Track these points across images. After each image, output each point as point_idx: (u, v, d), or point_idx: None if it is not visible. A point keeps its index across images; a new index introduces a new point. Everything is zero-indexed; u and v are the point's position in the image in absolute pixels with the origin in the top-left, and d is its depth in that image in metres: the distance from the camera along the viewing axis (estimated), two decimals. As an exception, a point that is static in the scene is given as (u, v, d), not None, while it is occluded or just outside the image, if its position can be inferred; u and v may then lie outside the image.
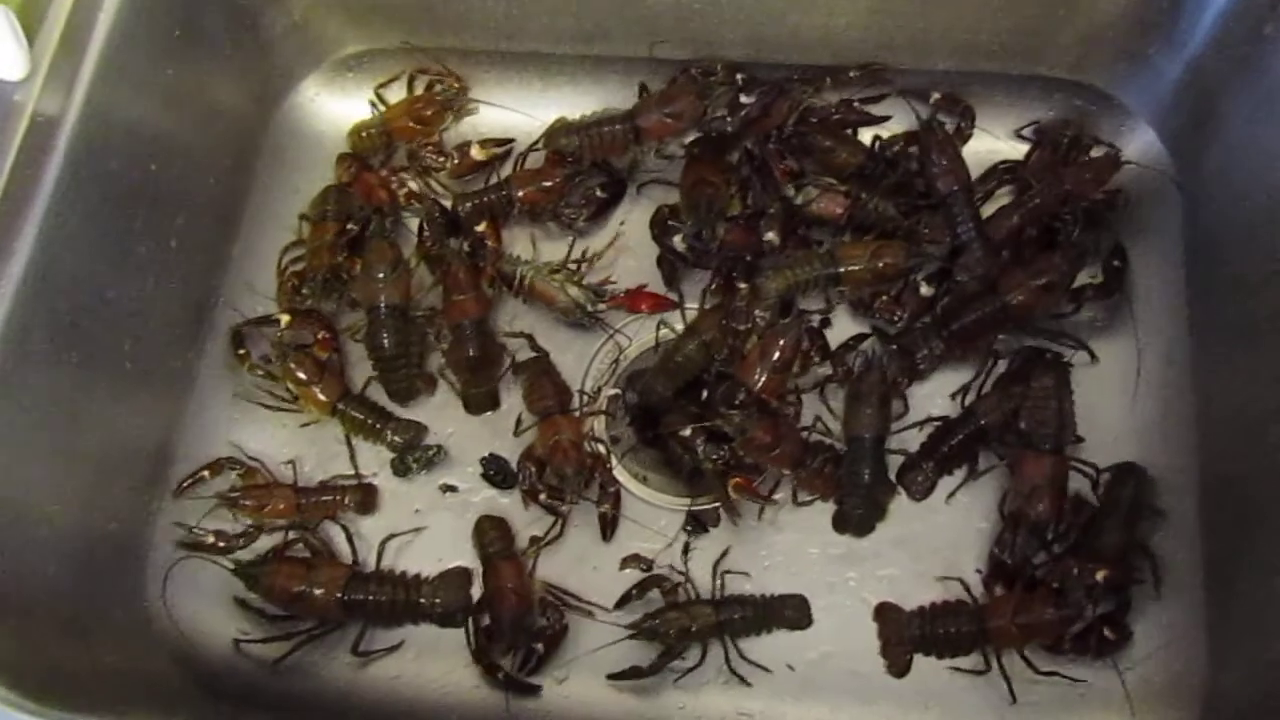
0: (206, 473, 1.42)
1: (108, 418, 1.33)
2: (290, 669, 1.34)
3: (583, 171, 1.51)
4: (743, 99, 1.43)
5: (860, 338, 1.45)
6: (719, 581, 1.35)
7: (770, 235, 1.43)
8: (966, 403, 1.41)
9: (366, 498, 1.42)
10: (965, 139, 1.50)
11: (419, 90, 1.59)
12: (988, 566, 1.34)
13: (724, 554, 1.37)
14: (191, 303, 1.47)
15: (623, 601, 1.35)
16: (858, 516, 1.37)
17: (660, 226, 1.50)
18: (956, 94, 1.50)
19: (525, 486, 1.40)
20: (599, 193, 1.53)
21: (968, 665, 1.30)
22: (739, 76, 1.48)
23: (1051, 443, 1.32)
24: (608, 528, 1.39)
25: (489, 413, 1.47)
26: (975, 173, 1.47)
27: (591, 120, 1.47)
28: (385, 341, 1.42)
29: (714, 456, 1.32)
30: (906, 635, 1.31)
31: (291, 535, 1.40)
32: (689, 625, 1.29)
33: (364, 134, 1.56)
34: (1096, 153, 1.47)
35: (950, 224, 1.42)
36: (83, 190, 1.22)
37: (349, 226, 1.49)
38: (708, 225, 1.42)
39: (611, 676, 1.31)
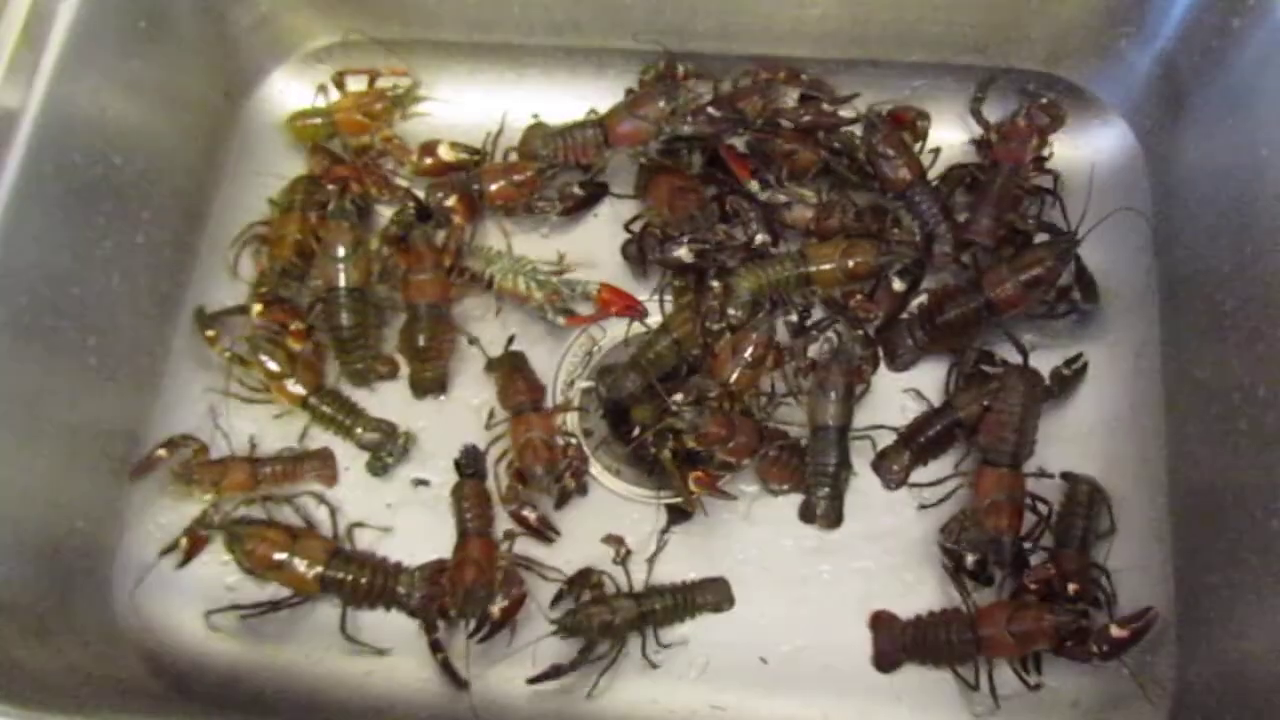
0: (163, 451, 1.41)
1: (73, 416, 1.31)
2: (259, 667, 1.33)
3: (557, 166, 1.50)
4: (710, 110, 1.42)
5: (823, 323, 1.44)
6: (649, 572, 1.36)
7: (761, 237, 1.44)
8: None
9: (325, 464, 1.42)
10: (921, 136, 1.50)
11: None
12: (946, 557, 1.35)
13: (659, 549, 1.37)
14: (159, 298, 1.46)
15: (557, 599, 1.35)
16: (825, 506, 1.37)
17: (655, 245, 1.46)
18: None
19: (512, 508, 1.39)
20: (577, 190, 1.52)
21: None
22: (713, 84, 1.47)
23: (1008, 459, 1.32)
24: (563, 499, 1.39)
25: (437, 397, 1.47)
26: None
27: (565, 126, 1.47)
28: (343, 321, 1.41)
29: (667, 447, 1.33)
30: (900, 644, 1.31)
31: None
32: (610, 619, 1.30)
33: (304, 123, 1.54)
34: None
35: (916, 215, 1.42)
36: (44, 185, 1.21)
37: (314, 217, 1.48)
38: (706, 227, 1.42)
39: (531, 680, 1.30)
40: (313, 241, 1.46)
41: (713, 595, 1.35)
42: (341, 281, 1.41)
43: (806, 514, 1.38)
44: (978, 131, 1.50)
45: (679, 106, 1.41)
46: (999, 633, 1.25)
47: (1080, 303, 1.41)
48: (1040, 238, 1.44)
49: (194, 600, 1.37)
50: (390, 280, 1.47)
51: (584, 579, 1.35)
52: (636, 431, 1.35)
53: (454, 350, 1.47)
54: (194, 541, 1.38)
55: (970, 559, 1.32)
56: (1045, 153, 1.48)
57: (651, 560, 1.36)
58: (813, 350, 1.42)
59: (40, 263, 1.22)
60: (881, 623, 1.33)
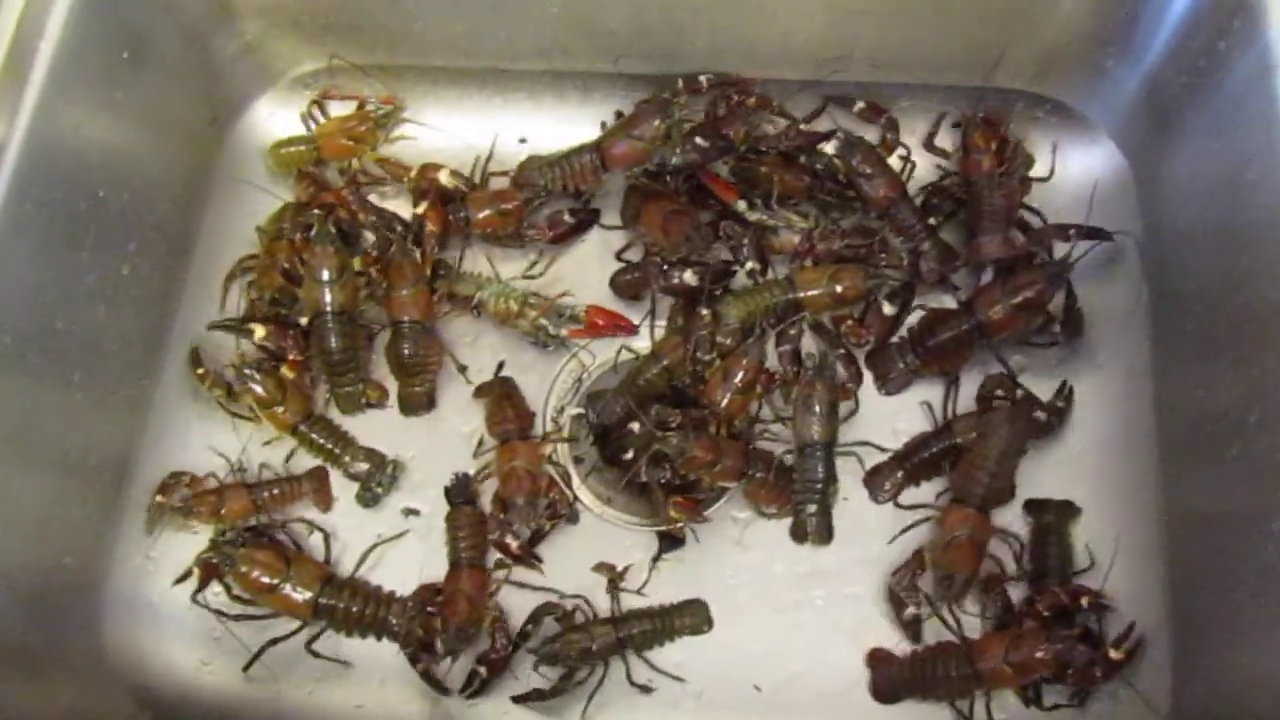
0: (160, 497, 1.40)
1: (60, 449, 1.30)
2: (250, 701, 1.32)
3: (542, 198, 1.49)
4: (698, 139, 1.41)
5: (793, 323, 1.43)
6: (618, 600, 1.36)
7: (751, 264, 1.43)
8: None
9: (320, 485, 1.41)
10: (891, 149, 1.50)
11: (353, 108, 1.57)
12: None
13: (650, 576, 1.36)
14: (146, 330, 1.45)
15: (521, 637, 1.34)
16: (815, 522, 1.36)
17: (658, 274, 1.44)
18: (879, 104, 1.50)
19: (496, 537, 1.38)
20: (568, 217, 1.52)
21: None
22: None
23: (977, 501, 1.32)
24: (536, 537, 1.38)
25: (427, 413, 1.47)
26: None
27: (561, 154, 1.46)
28: (332, 344, 1.41)
29: (658, 477, 1.33)
30: (899, 682, 1.30)
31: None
32: (589, 645, 1.30)
33: (287, 150, 1.53)
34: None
35: (900, 232, 1.42)
36: (28, 218, 1.20)
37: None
38: (703, 249, 1.42)
39: (515, 699, 1.31)
40: (299, 266, 1.45)
41: (691, 618, 1.35)
42: (328, 305, 1.41)
43: (797, 533, 1.37)
44: (944, 163, 1.50)
45: (674, 123, 1.40)
46: (998, 664, 1.24)
47: (1060, 336, 1.40)
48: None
49: (184, 634, 1.37)
50: (377, 299, 1.47)
51: (546, 610, 1.34)
52: (630, 455, 1.35)
53: (441, 365, 1.47)
54: (206, 570, 1.37)
55: (909, 612, 1.31)
56: (1019, 163, 1.47)
57: (641, 589, 1.36)
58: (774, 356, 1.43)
59: (24, 297, 1.21)
60: (878, 661, 1.32)
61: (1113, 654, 1.25)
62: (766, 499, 1.37)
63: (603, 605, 1.35)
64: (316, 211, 1.49)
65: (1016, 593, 1.33)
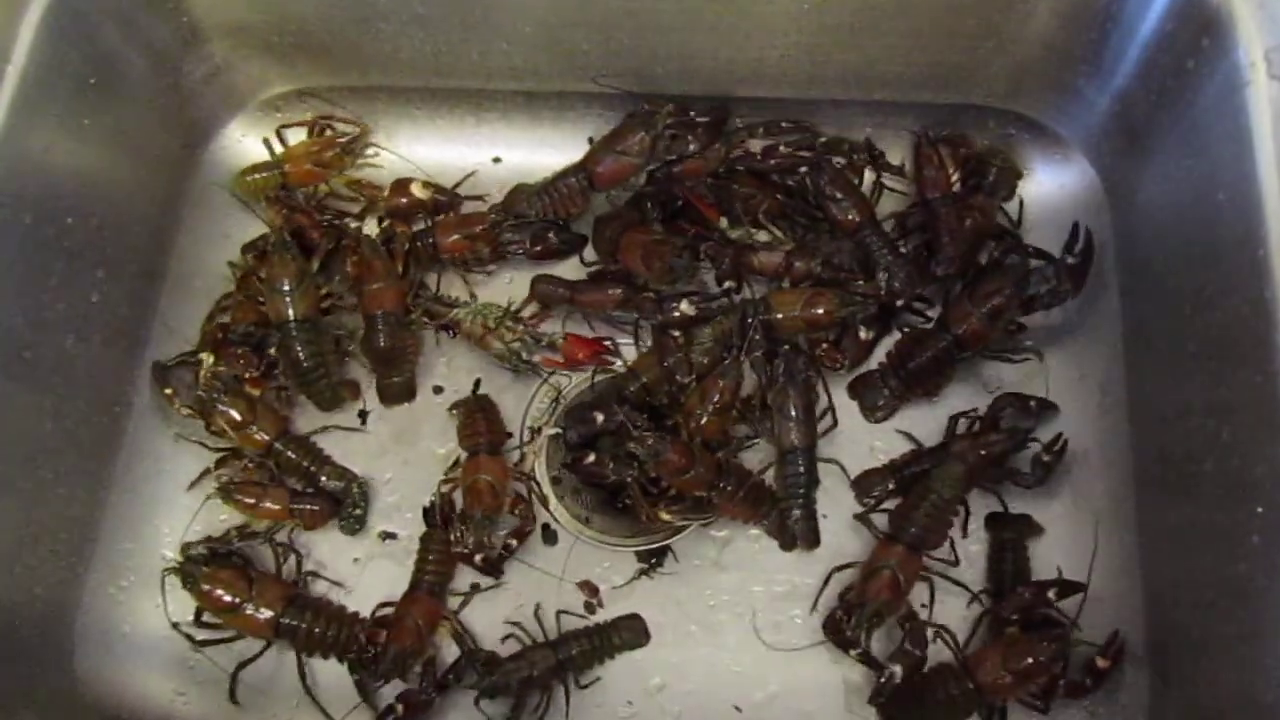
0: (216, 469, 1.41)
1: (29, 481, 1.28)
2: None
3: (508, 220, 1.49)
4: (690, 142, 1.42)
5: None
6: (558, 622, 1.36)
7: (729, 283, 1.43)
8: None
9: (327, 509, 1.40)
10: (859, 170, 1.50)
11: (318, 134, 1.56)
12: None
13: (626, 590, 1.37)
14: (116, 358, 1.43)
15: (439, 689, 1.32)
16: (802, 526, 1.36)
17: (654, 308, 1.43)
18: (841, 135, 1.51)
19: (457, 546, 1.37)
20: (553, 237, 1.51)
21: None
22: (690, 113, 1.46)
23: (908, 539, 1.31)
24: (495, 564, 1.37)
25: (406, 403, 1.47)
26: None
27: (548, 180, 1.46)
28: (300, 354, 1.40)
29: (625, 475, 1.33)
30: (904, 712, 1.29)
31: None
32: (529, 672, 1.30)
33: (253, 177, 1.52)
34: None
35: (867, 256, 1.43)
36: (-7, 248, 1.19)
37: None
38: (687, 276, 1.42)
39: None
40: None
41: (629, 633, 1.35)
42: (290, 315, 1.40)
43: (785, 541, 1.37)
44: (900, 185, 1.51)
45: (659, 134, 1.40)
46: (997, 675, 1.24)
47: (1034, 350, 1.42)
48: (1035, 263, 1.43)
49: (157, 664, 1.35)
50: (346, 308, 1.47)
51: (470, 657, 1.33)
52: (597, 458, 1.35)
53: (419, 354, 1.47)
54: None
55: (854, 653, 1.31)
56: (996, 182, 1.48)
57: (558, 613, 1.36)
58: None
59: (-11, 327, 1.20)
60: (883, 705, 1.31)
61: (1099, 662, 1.26)
62: (734, 513, 1.36)
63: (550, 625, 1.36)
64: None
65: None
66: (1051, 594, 1.28)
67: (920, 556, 1.32)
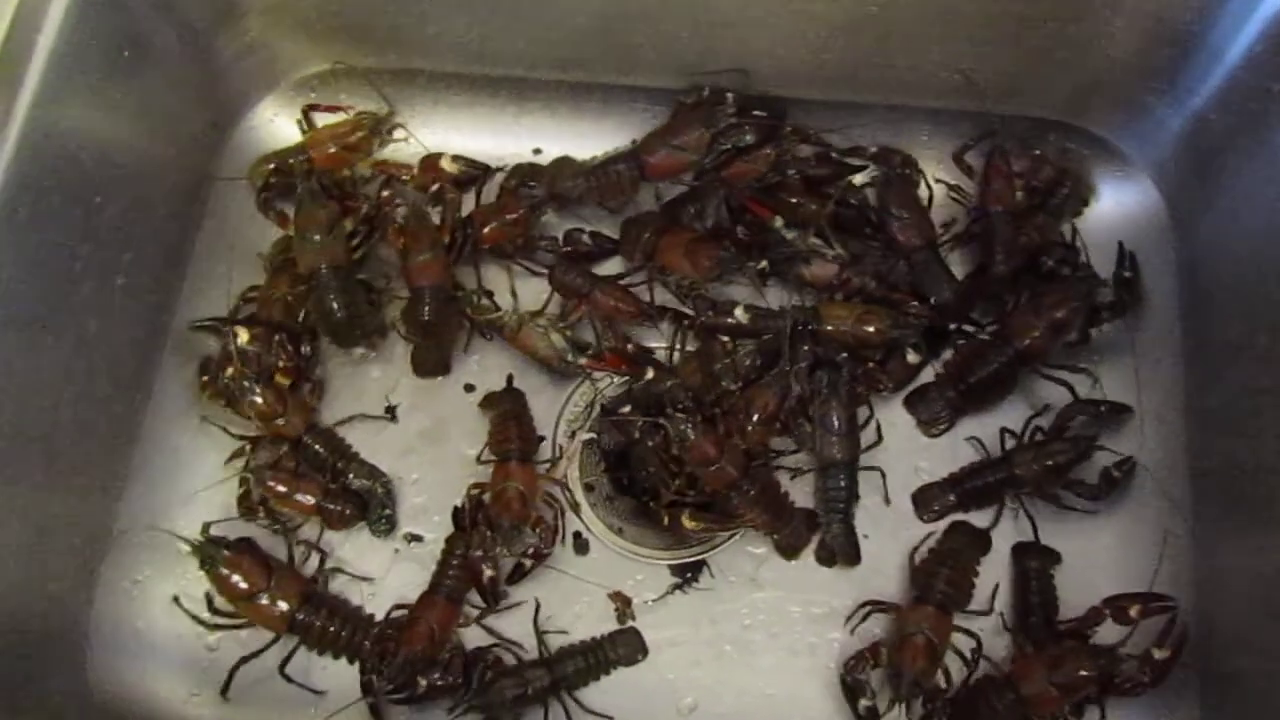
0: (248, 445, 1.37)
1: (45, 474, 1.23)
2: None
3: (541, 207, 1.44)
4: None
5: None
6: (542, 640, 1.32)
7: (763, 264, 1.40)
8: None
9: (356, 513, 1.36)
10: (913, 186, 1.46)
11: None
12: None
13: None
14: (139, 344, 1.38)
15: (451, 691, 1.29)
16: (841, 542, 1.33)
17: (706, 308, 1.40)
18: (891, 146, 1.47)
19: (476, 553, 1.32)
20: (586, 239, 1.47)
21: None
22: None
23: (936, 600, 1.28)
24: (516, 573, 1.34)
25: (440, 376, 1.43)
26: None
27: (597, 162, 1.41)
28: (334, 304, 1.36)
29: (668, 485, 1.30)
30: None
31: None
32: (523, 690, 1.26)
33: (271, 165, 1.46)
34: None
35: (918, 277, 1.40)
36: (19, 228, 1.13)
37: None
38: (735, 272, 1.38)
39: None
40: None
41: (625, 649, 1.31)
42: (323, 263, 1.36)
43: (824, 556, 1.34)
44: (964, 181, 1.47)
45: (721, 133, 1.35)
46: (1043, 687, 1.21)
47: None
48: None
49: (171, 663, 1.31)
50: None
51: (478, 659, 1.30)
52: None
53: (461, 330, 1.43)
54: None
55: (863, 703, 1.27)
56: (1064, 202, 1.44)
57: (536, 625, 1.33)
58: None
59: (12, 311, 1.15)
60: None
61: (1156, 654, 1.22)
62: (753, 520, 1.32)
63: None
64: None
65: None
66: (1134, 611, 1.25)
67: (951, 617, 1.28)
